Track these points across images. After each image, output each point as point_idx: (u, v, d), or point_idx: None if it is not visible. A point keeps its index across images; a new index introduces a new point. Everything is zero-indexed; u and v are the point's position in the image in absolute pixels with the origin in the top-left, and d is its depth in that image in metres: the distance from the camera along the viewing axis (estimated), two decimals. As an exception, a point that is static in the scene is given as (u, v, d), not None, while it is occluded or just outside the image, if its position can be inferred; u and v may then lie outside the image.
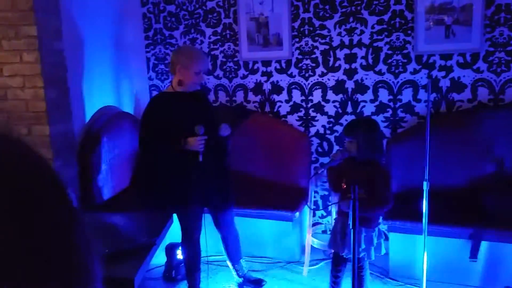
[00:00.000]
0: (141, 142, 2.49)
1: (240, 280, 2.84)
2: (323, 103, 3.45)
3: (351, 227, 2.00)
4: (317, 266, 3.12)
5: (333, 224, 2.52)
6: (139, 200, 2.68)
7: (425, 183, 2.38)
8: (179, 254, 3.03)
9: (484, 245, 2.61)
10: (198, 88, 2.51)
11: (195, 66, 2.40)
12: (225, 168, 2.64)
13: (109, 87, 3.45)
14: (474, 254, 2.59)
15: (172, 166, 2.48)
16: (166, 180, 2.49)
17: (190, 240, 2.60)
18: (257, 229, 3.17)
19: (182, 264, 3.05)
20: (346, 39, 3.32)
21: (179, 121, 2.42)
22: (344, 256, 2.39)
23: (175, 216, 2.54)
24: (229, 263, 2.84)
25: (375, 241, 2.31)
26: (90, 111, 3.19)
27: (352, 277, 2.11)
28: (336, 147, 3.46)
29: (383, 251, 2.39)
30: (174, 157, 2.45)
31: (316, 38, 3.39)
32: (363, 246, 2.28)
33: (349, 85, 3.37)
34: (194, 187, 2.47)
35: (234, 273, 2.85)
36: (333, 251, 2.49)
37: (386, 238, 2.56)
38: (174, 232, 3.02)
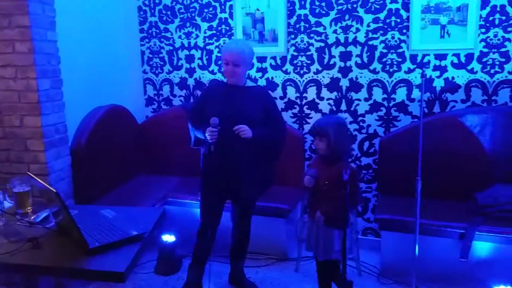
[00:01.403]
0: (189, 121, 2.64)
1: (239, 280, 2.82)
2: (317, 100, 3.45)
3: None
4: (309, 262, 3.12)
5: (303, 226, 2.52)
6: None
7: (417, 182, 2.40)
8: (170, 248, 3.03)
9: (475, 245, 2.62)
10: (231, 81, 2.48)
11: (223, 56, 2.45)
12: (254, 167, 2.53)
13: (103, 80, 3.43)
14: (465, 254, 2.60)
15: (203, 153, 2.57)
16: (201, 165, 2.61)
17: (200, 231, 2.63)
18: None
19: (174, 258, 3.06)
20: (341, 37, 3.32)
21: (209, 110, 2.44)
22: (318, 260, 2.41)
23: (168, 209, 2.57)
24: (230, 259, 2.84)
25: (348, 241, 2.31)
26: (83, 103, 3.16)
27: (342, 275, 2.12)
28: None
29: (354, 252, 2.41)
30: (202, 144, 2.54)
31: (312, 35, 3.38)
32: (336, 247, 2.29)
33: (344, 83, 3.37)
34: (207, 176, 2.54)
35: (231, 270, 2.84)
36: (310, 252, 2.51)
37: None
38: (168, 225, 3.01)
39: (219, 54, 3.65)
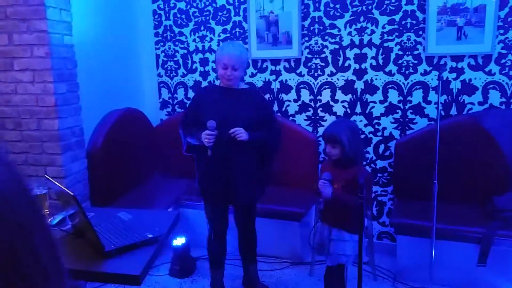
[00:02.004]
0: (180, 127, 2.60)
1: (252, 282, 2.80)
2: (331, 103, 3.43)
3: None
4: (323, 266, 3.10)
5: (316, 231, 2.49)
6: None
7: (434, 186, 2.36)
8: (185, 250, 3.04)
9: (494, 250, 2.57)
10: (229, 85, 2.47)
11: (220, 60, 2.42)
12: (254, 166, 2.52)
13: (118, 83, 3.46)
14: (483, 259, 2.56)
15: (197, 159, 2.56)
16: (196, 172, 2.60)
17: (211, 234, 2.63)
18: (264, 228, 3.15)
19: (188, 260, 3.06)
20: (356, 39, 3.29)
21: (205, 114, 2.41)
22: (328, 264, 2.39)
23: (182, 212, 2.57)
24: (242, 263, 2.83)
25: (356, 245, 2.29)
26: (98, 106, 3.20)
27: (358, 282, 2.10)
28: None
29: (366, 258, 2.39)
30: (194, 148, 2.50)
31: (326, 37, 3.37)
32: (349, 252, 2.27)
33: (359, 85, 3.34)
34: (206, 180, 2.51)
35: (244, 274, 2.83)
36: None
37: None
38: (181, 228, 3.02)
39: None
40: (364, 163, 3.16)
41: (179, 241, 3.04)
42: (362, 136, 3.33)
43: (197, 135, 2.41)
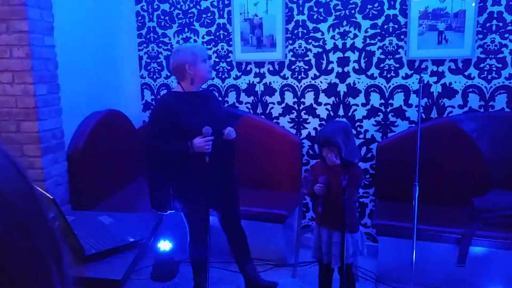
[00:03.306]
0: (148, 144, 2.42)
1: (252, 282, 2.76)
2: (315, 105, 3.45)
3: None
4: (306, 268, 3.11)
5: (315, 231, 2.49)
6: (150, 200, 2.60)
7: (415, 187, 2.39)
8: (167, 254, 3.01)
9: (472, 250, 2.62)
10: (211, 77, 2.52)
11: (200, 56, 2.40)
12: (231, 169, 2.56)
13: (101, 85, 3.43)
14: (462, 259, 2.60)
15: (179, 168, 2.42)
16: (174, 181, 2.48)
17: (197, 240, 2.58)
18: (247, 231, 3.14)
19: (168, 264, 3.04)
20: (339, 43, 3.32)
21: (188, 122, 2.34)
22: (331, 266, 2.39)
23: (164, 215, 2.53)
24: (239, 267, 2.79)
25: (360, 245, 2.31)
26: (80, 108, 3.16)
27: (340, 282, 2.11)
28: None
29: (365, 252, 2.41)
30: (181, 159, 2.38)
31: (310, 40, 3.39)
32: (350, 251, 2.28)
33: (341, 88, 3.37)
34: (199, 188, 2.44)
35: (244, 277, 2.79)
36: (317, 259, 2.48)
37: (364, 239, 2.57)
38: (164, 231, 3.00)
39: (217, 60, 3.65)
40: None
41: (161, 244, 3.02)
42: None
43: (181, 145, 2.31)
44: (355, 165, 2.33)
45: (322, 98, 3.43)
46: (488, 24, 3.00)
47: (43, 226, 0.44)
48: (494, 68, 3.03)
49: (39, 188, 1.56)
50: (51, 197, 1.67)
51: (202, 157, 2.29)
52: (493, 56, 3.02)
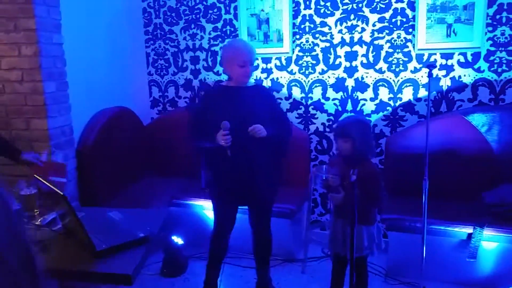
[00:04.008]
0: (188, 132, 2.53)
1: (261, 284, 2.75)
2: (323, 100, 3.44)
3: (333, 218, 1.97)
4: (315, 263, 3.11)
5: (331, 224, 2.48)
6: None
7: (424, 182, 2.38)
8: (176, 249, 3.03)
9: (483, 245, 2.60)
10: (247, 82, 2.43)
11: (237, 59, 2.34)
12: (264, 167, 2.47)
13: (108, 82, 3.44)
14: (472, 254, 2.58)
15: (209, 159, 2.51)
16: (208, 172, 2.55)
17: (217, 233, 2.58)
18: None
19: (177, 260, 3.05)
20: (347, 37, 3.30)
21: (214, 115, 2.36)
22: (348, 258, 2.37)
23: (174, 210, 2.55)
24: (256, 266, 2.77)
25: (376, 237, 2.30)
26: (88, 105, 3.17)
27: (350, 274, 2.11)
28: (335, 145, 3.45)
29: (383, 245, 2.39)
30: (209, 151, 2.45)
31: (317, 35, 3.37)
32: (366, 243, 2.27)
33: (349, 83, 3.36)
34: (225, 181, 2.46)
35: (257, 275, 2.77)
36: (333, 252, 2.47)
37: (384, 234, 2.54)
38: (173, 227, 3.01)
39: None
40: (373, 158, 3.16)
41: (170, 240, 3.03)
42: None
43: (210, 137, 2.35)
44: (368, 161, 2.32)
45: (330, 93, 3.42)
46: (498, 16, 2.96)
47: (19, 248, 0.47)
48: (505, 61, 2.99)
49: (49, 185, 1.57)
50: (62, 193, 1.68)
51: (225, 150, 2.30)
52: (503, 49, 2.98)
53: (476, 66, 3.06)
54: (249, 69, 2.37)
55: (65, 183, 2.39)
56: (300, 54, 3.44)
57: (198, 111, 2.54)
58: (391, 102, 3.28)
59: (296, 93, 3.51)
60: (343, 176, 2.21)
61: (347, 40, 3.30)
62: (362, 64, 3.30)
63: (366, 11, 3.22)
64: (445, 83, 3.14)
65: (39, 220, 2.00)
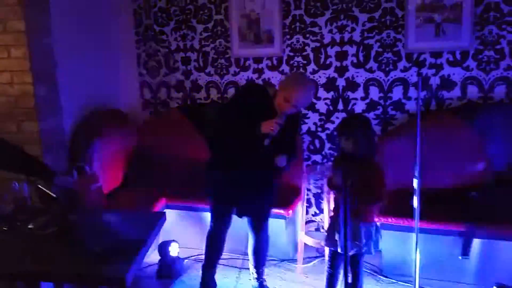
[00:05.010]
0: (220, 116, 2.52)
1: (256, 285, 2.77)
2: (314, 100, 3.45)
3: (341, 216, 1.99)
4: (310, 263, 3.12)
5: (328, 222, 2.51)
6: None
7: (415, 181, 2.40)
8: (172, 252, 3.02)
9: (476, 242, 2.63)
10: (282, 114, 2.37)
11: (285, 92, 2.32)
12: (267, 180, 2.56)
13: (99, 83, 3.42)
14: (466, 251, 2.61)
15: (216, 160, 2.53)
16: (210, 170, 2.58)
17: (211, 234, 2.64)
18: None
19: (175, 263, 3.05)
20: (337, 37, 3.32)
21: (252, 116, 2.34)
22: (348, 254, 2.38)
23: (169, 212, 2.55)
24: (250, 265, 2.80)
25: (373, 235, 2.31)
26: (79, 107, 3.15)
27: (344, 271, 2.12)
28: (328, 145, 3.48)
29: (381, 246, 2.41)
30: (220, 151, 2.50)
31: (307, 35, 3.39)
32: (363, 241, 2.29)
33: (340, 82, 3.38)
34: (224, 184, 2.51)
35: (252, 276, 2.79)
36: (329, 248, 2.48)
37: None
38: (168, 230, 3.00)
39: (215, 56, 3.64)
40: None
41: (166, 242, 3.02)
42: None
43: (249, 122, 2.32)
44: (372, 159, 2.34)
45: (321, 92, 3.44)
46: (485, 15, 3.00)
47: None
48: (493, 59, 3.04)
49: (43, 188, 1.56)
50: (55, 196, 1.67)
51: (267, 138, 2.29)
52: (491, 47, 3.03)
53: (465, 65, 3.10)
54: (290, 108, 2.32)
55: (101, 186, 2.38)
56: (291, 54, 3.45)
57: (236, 103, 2.49)
58: (382, 101, 3.31)
59: (288, 93, 3.51)
60: (345, 175, 2.22)
61: (337, 40, 3.33)
62: (352, 63, 3.32)
63: (356, 11, 3.24)
64: (435, 81, 3.18)
65: (33, 222, 1.98)
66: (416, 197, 2.37)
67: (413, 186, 2.39)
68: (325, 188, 2.87)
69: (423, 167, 2.43)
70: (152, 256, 3.08)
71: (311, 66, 3.42)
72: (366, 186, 2.15)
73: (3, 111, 2.61)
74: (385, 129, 3.32)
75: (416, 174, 2.39)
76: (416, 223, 2.39)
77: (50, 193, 1.74)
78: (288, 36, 3.44)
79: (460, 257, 2.64)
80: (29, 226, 1.95)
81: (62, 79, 2.82)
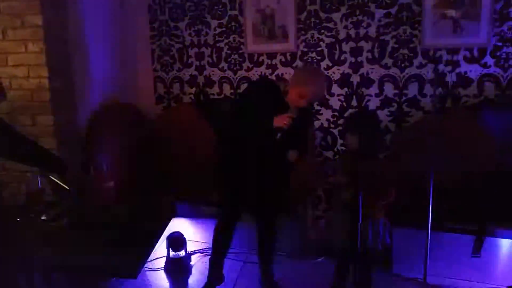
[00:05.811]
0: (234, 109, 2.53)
1: (264, 278, 2.80)
2: (328, 96, 3.43)
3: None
4: (318, 259, 3.12)
5: (336, 218, 2.50)
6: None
7: (430, 178, 2.37)
8: (180, 245, 3.04)
9: (487, 241, 2.59)
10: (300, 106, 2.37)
11: (297, 86, 2.31)
12: (277, 178, 2.56)
13: (114, 78, 3.45)
14: (477, 250, 2.58)
15: (232, 152, 2.54)
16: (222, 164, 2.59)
17: (220, 226, 2.66)
18: (260, 222, 3.16)
19: (183, 256, 3.07)
20: (352, 32, 3.29)
21: (264, 112, 2.34)
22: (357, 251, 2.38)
23: (178, 206, 2.58)
24: (258, 260, 2.83)
25: (381, 231, 2.30)
26: (94, 101, 3.19)
27: (353, 270, 2.11)
28: (340, 141, 3.45)
29: (388, 241, 2.39)
30: (233, 147, 2.50)
31: (322, 31, 3.36)
32: (371, 237, 2.27)
33: (355, 78, 3.35)
34: (237, 179, 2.52)
35: (260, 269, 2.83)
36: (337, 244, 2.47)
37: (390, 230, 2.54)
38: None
39: (229, 52, 3.64)
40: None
41: (176, 235, 3.05)
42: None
43: (260, 118, 2.32)
44: (375, 158, 2.32)
45: (335, 88, 3.41)
46: (505, 11, 2.93)
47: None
48: (511, 57, 2.97)
49: (56, 180, 1.58)
50: (68, 188, 1.70)
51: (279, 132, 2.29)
52: (510, 44, 2.96)
53: (482, 62, 3.04)
54: (302, 102, 2.31)
55: (114, 184, 2.41)
56: (305, 50, 3.43)
57: (249, 97, 2.48)
58: (397, 98, 3.27)
59: (301, 89, 3.49)
60: (351, 172, 2.21)
61: (353, 36, 3.29)
62: (367, 59, 3.29)
63: (372, 6, 3.20)
64: (451, 78, 3.12)
65: (46, 214, 2.02)
66: (429, 195, 2.35)
67: (426, 183, 2.37)
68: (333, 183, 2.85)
69: (437, 165, 2.41)
70: (160, 249, 3.11)
71: (326, 62, 3.39)
72: (372, 183, 2.13)
73: (19, 105, 2.66)
74: (399, 126, 3.28)
75: (430, 172, 2.37)
76: (428, 220, 2.37)
77: (63, 185, 1.76)
78: (302, 32, 3.42)
79: (471, 255, 2.61)
80: (42, 218, 1.98)
81: (77, 74, 2.85)
